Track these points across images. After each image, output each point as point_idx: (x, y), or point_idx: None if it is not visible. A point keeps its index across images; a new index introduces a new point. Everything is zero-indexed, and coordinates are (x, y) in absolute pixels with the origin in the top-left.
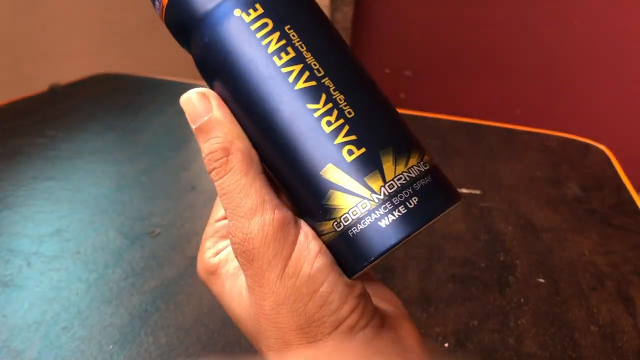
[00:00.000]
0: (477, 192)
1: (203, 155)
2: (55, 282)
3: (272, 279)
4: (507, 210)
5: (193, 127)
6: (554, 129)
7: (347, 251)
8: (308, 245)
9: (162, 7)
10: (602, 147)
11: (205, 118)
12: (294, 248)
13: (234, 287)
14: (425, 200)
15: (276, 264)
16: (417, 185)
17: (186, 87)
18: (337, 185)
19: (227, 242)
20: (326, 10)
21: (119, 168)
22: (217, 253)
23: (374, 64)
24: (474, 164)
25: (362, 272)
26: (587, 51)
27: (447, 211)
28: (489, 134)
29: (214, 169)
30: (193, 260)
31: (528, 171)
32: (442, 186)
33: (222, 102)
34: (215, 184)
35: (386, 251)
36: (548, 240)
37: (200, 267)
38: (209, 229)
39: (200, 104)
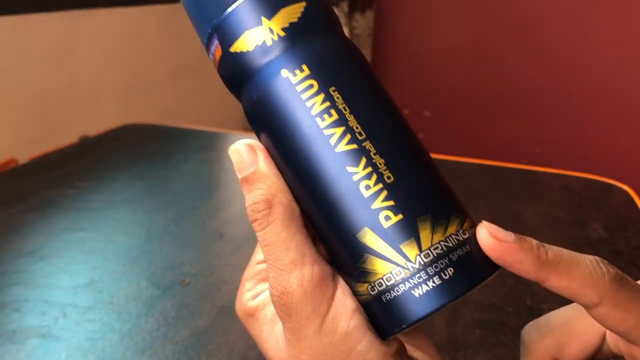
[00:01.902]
0: None
1: (246, 205)
2: (90, 332)
3: (309, 334)
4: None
5: (239, 176)
6: (574, 167)
7: (380, 315)
8: (345, 303)
9: (215, 59)
10: (624, 187)
11: (251, 169)
12: (332, 304)
13: (271, 334)
14: (461, 271)
15: (314, 320)
16: (453, 255)
17: (210, 136)
18: (372, 249)
19: (267, 285)
20: None
21: (149, 217)
22: (256, 295)
23: None
24: (497, 206)
25: (394, 336)
26: (605, 89)
27: (482, 283)
28: (511, 175)
29: (256, 219)
30: (223, 309)
31: (551, 212)
32: (480, 256)
33: (268, 156)
34: (257, 234)
35: (418, 321)
36: None
37: (239, 308)
38: (250, 271)
39: (247, 155)
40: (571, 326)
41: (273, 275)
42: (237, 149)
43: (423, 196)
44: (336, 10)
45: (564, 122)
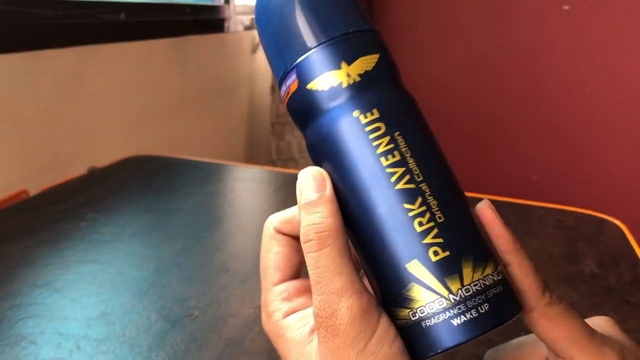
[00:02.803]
0: None
1: (302, 225)
2: None
3: (351, 356)
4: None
5: (302, 200)
6: (568, 197)
7: (417, 339)
8: (388, 329)
9: (288, 92)
10: (617, 222)
11: (317, 195)
12: (376, 329)
13: (301, 355)
14: (495, 307)
15: (359, 342)
16: (489, 293)
17: (214, 168)
18: (418, 279)
19: (291, 304)
20: None
21: (157, 250)
22: (285, 315)
23: None
24: None
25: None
26: (599, 121)
27: (510, 320)
28: (505, 209)
29: (311, 240)
30: (230, 342)
31: (545, 247)
32: (510, 296)
33: (332, 185)
34: (308, 255)
35: (453, 347)
36: None
37: (269, 330)
38: (269, 295)
39: (317, 181)
40: (522, 349)
41: (322, 298)
42: (307, 175)
43: (468, 239)
44: None
45: (559, 152)
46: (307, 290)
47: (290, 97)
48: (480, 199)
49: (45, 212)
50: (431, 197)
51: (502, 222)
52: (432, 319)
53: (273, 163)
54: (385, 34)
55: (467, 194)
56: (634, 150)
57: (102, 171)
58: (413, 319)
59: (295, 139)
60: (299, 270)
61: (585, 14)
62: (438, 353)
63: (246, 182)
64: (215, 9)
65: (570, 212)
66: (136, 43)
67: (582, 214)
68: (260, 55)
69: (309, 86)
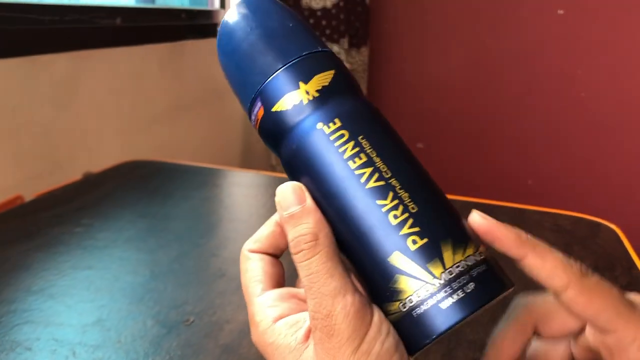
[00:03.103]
0: None
1: (290, 238)
2: None
3: (346, 354)
4: (523, 292)
5: (284, 214)
6: (564, 201)
7: (411, 330)
8: (381, 326)
9: (258, 119)
10: (612, 226)
11: (299, 207)
12: (370, 327)
13: None
14: (480, 286)
15: (353, 341)
16: (473, 272)
17: (210, 173)
18: (402, 270)
19: (277, 310)
20: None
21: (153, 256)
22: (274, 320)
23: None
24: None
25: (424, 349)
26: (594, 125)
27: (500, 296)
28: (501, 213)
29: (302, 250)
30: (226, 348)
31: None
32: (496, 274)
33: (311, 197)
34: (300, 264)
35: (446, 330)
36: None
37: (258, 341)
38: (253, 307)
39: (295, 195)
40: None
41: (317, 301)
42: (284, 190)
43: (443, 223)
44: (337, 47)
45: (554, 156)
46: (291, 297)
47: (259, 123)
48: (476, 203)
49: (41, 218)
50: (402, 190)
51: (497, 225)
52: (422, 306)
53: (273, 168)
54: (383, 38)
55: (463, 198)
56: (629, 154)
57: (98, 176)
58: (404, 310)
59: None
60: (279, 282)
61: (579, 19)
62: (434, 339)
63: (242, 187)
64: (211, 14)
65: (566, 216)
66: (132, 48)
67: (577, 217)
68: None
69: (273, 109)
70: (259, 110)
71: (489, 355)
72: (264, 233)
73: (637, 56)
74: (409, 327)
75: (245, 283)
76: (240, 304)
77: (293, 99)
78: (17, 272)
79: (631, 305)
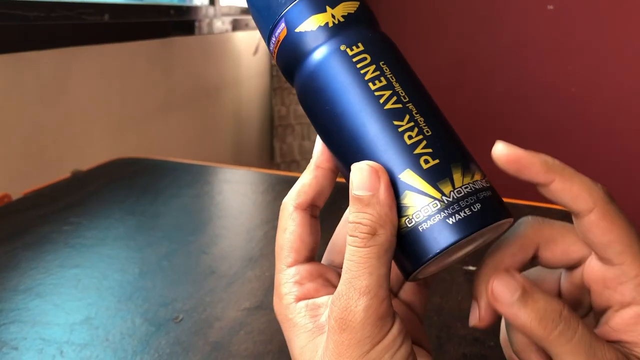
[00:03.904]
0: None
1: (351, 219)
2: None
3: (353, 356)
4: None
5: (354, 193)
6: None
7: (416, 245)
8: (396, 339)
9: (278, 41)
10: None
11: (369, 193)
12: (385, 337)
13: (308, 344)
14: (486, 207)
15: (364, 345)
16: (480, 195)
17: (200, 170)
18: (412, 186)
19: (302, 289)
20: None
21: (141, 254)
22: (296, 299)
23: None
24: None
25: (426, 264)
26: (584, 120)
27: (502, 222)
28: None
29: (355, 237)
30: (216, 345)
31: None
32: (500, 201)
33: (390, 185)
34: (349, 247)
35: (451, 245)
36: None
37: (279, 312)
38: (282, 276)
39: (371, 178)
40: (568, 233)
41: (344, 289)
42: (361, 168)
43: (454, 148)
44: None
45: (545, 151)
46: (319, 276)
47: (280, 45)
48: None
49: (28, 216)
50: (418, 115)
51: (522, 153)
52: (428, 221)
53: (277, 166)
54: None
55: None
56: (620, 148)
57: (86, 174)
58: (409, 225)
59: (296, 141)
60: (313, 254)
61: (569, 14)
62: (437, 254)
63: (233, 184)
64: (199, 10)
65: (557, 210)
66: (120, 45)
67: (568, 211)
68: (247, 57)
69: (297, 29)
70: (281, 32)
71: (486, 263)
72: (306, 181)
73: (627, 51)
74: (413, 243)
75: (280, 244)
76: (231, 301)
77: (319, 20)
78: (4, 271)
79: None
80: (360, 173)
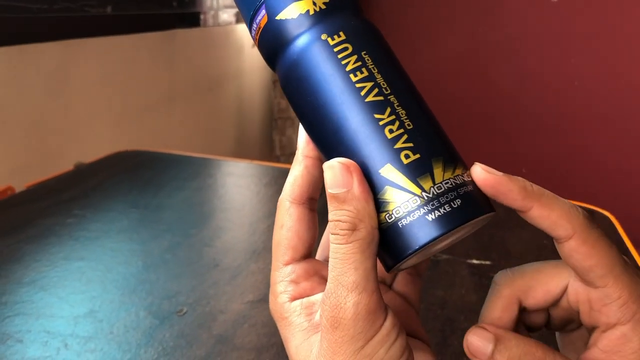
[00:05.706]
0: (487, 262)
1: (330, 218)
2: None
3: (348, 353)
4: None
5: (329, 191)
6: (558, 190)
7: (396, 241)
8: (390, 332)
9: (259, 28)
10: (606, 213)
11: (344, 190)
12: (378, 331)
13: (303, 342)
14: (467, 203)
15: (357, 340)
16: (460, 190)
17: (202, 163)
18: (392, 182)
19: (298, 288)
20: None
21: (145, 247)
22: (291, 299)
23: None
24: (483, 233)
25: (406, 259)
26: (586, 114)
27: (484, 217)
28: (495, 201)
29: (337, 234)
30: (220, 338)
31: (535, 239)
32: (481, 196)
33: (363, 179)
34: (332, 245)
35: (430, 242)
36: None
37: (275, 311)
38: (278, 274)
39: (343, 175)
40: (540, 274)
41: (332, 287)
42: (332, 166)
43: (436, 142)
44: None
45: (548, 144)
46: (315, 274)
47: (261, 32)
48: None
49: (32, 209)
50: (399, 107)
51: (501, 179)
52: (408, 217)
53: (277, 158)
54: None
55: None
56: (623, 141)
57: (89, 167)
58: (389, 221)
59: (295, 133)
60: (309, 250)
61: (573, 7)
62: (416, 250)
63: (236, 176)
64: (201, 3)
65: None
66: (123, 37)
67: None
68: (248, 50)
69: (278, 17)
70: (261, 18)
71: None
72: (297, 173)
73: (630, 44)
74: (393, 239)
75: (277, 241)
76: (235, 293)
77: (300, 7)
78: (7, 264)
79: (625, 264)
80: (332, 171)
